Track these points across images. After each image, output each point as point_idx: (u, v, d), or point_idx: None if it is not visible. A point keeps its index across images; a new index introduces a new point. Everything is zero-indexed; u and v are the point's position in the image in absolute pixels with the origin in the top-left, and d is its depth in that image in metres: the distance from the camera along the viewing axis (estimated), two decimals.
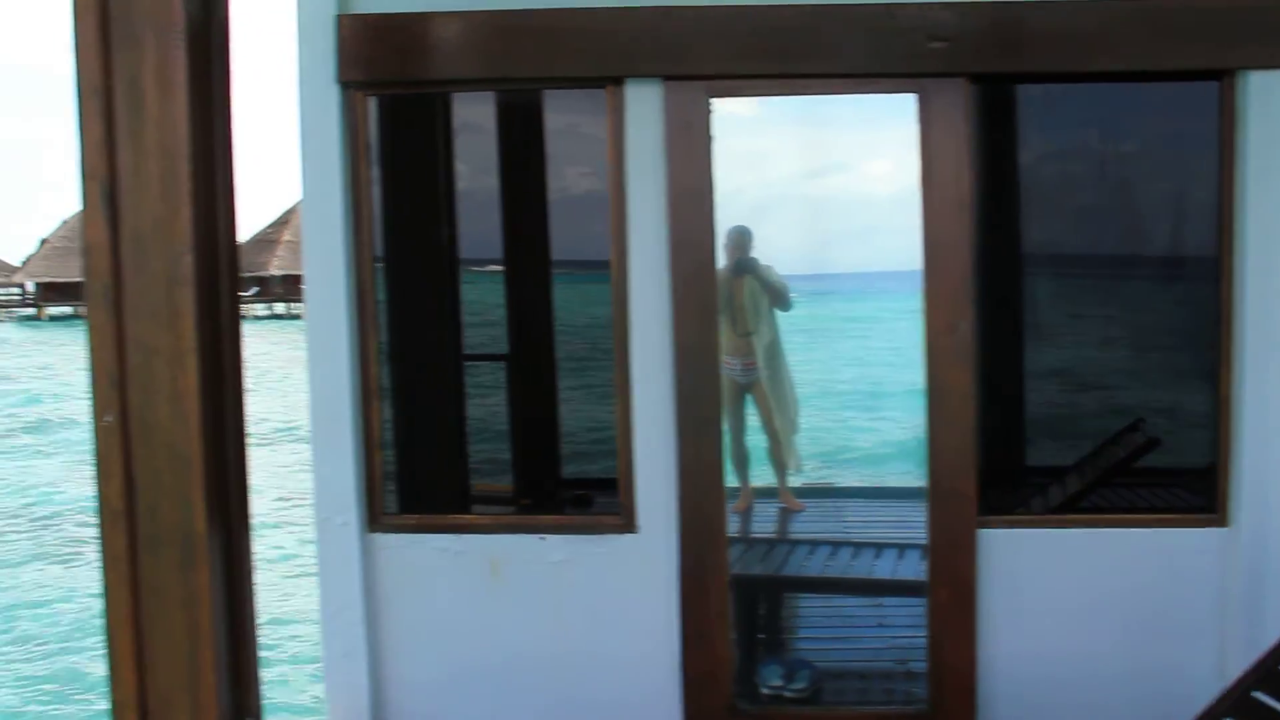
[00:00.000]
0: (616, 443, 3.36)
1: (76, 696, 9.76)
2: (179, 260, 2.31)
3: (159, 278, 2.30)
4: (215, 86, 2.38)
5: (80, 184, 2.30)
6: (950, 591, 3.39)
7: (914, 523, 3.91)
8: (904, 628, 4.47)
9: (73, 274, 72.99)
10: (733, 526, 5.05)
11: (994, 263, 3.92)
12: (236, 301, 2.47)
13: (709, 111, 3.31)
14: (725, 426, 3.44)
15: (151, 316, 2.31)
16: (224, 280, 2.45)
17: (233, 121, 2.43)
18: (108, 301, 2.31)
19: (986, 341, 3.56)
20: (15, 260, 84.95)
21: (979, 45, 3.26)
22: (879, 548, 5.08)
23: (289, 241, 69.02)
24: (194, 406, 2.32)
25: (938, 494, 3.40)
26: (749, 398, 5.60)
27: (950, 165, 3.31)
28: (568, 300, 4.19)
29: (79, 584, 13.13)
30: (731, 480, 5.19)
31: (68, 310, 74.18)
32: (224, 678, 2.37)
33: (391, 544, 3.25)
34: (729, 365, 5.30)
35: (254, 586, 2.48)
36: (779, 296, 5.46)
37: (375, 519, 3.26)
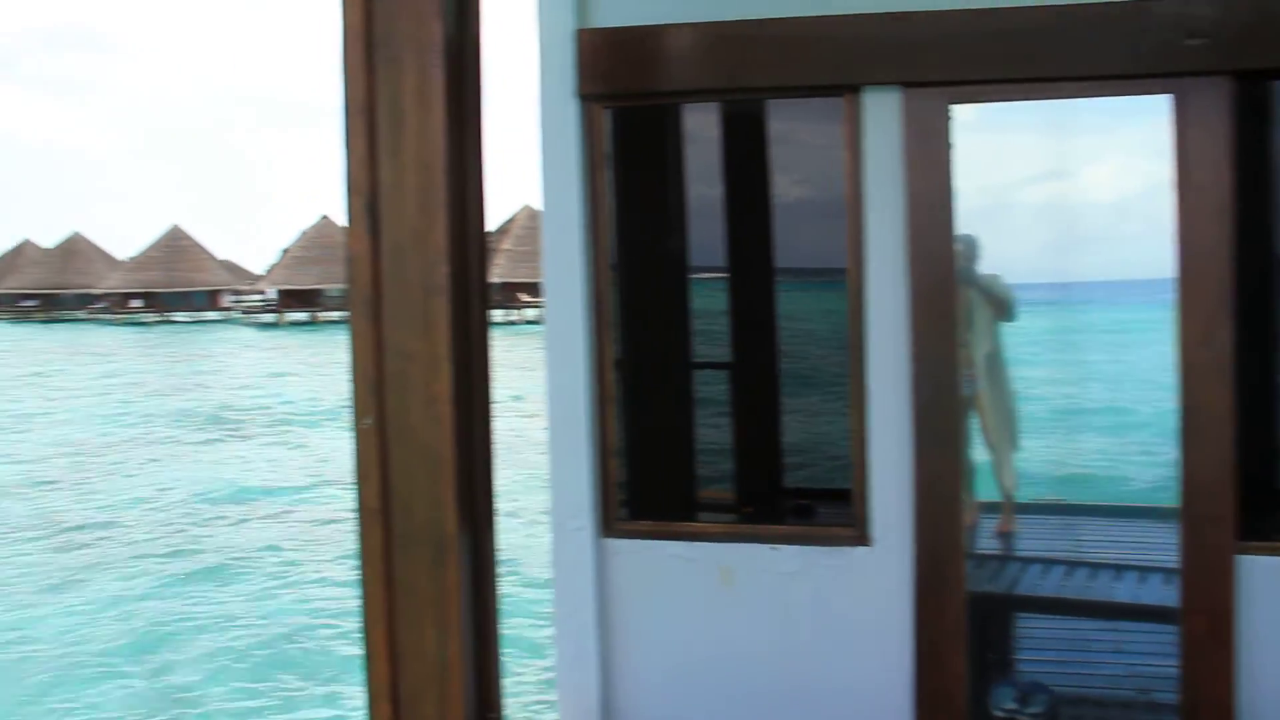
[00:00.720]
0: (851, 453, 3.31)
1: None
2: (434, 270, 2.40)
3: (416, 287, 2.40)
4: (468, 102, 2.47)
5: (345, 198, 2.43)
6: (1206, 620, 3.19)
7: (1155, 544, 3.69)
8: (1145, 655, 4.24)
9: (310, 281, 77.74)
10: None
11: (1254, 271, 3.68)
12: (486, 309, 2.55)
13: (949, 119, 3.23)
14: None
15: (408, 324, 2.41)
16: (474, 288, 2.54)
17: (483, 135, 2.52)
18: (368, 310, 2.42)
19: (1245, 354, 3.33)
20: (260, 268, 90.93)
21: (1243, 40, 3.06)
22: (1118, 569, 4.83)
23: (508, 250, 71.30)
24: (447, 411, 2.41)
25: (1190, 516, 3.20)
26: (969, 411, 5.41)
27: (1209, 168, 3.12)
28: (791, 308, 4.17)
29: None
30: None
31: (304, 316, 78.82)
32: (470, 672, 2.45)
33: (624, 549, 3.30)
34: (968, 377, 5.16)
35: (498, 585, 2.56)
36: (1002, 306, 5.26)
37: (609, 525, 3.31)
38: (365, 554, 2.48)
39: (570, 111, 3.27)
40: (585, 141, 3.29)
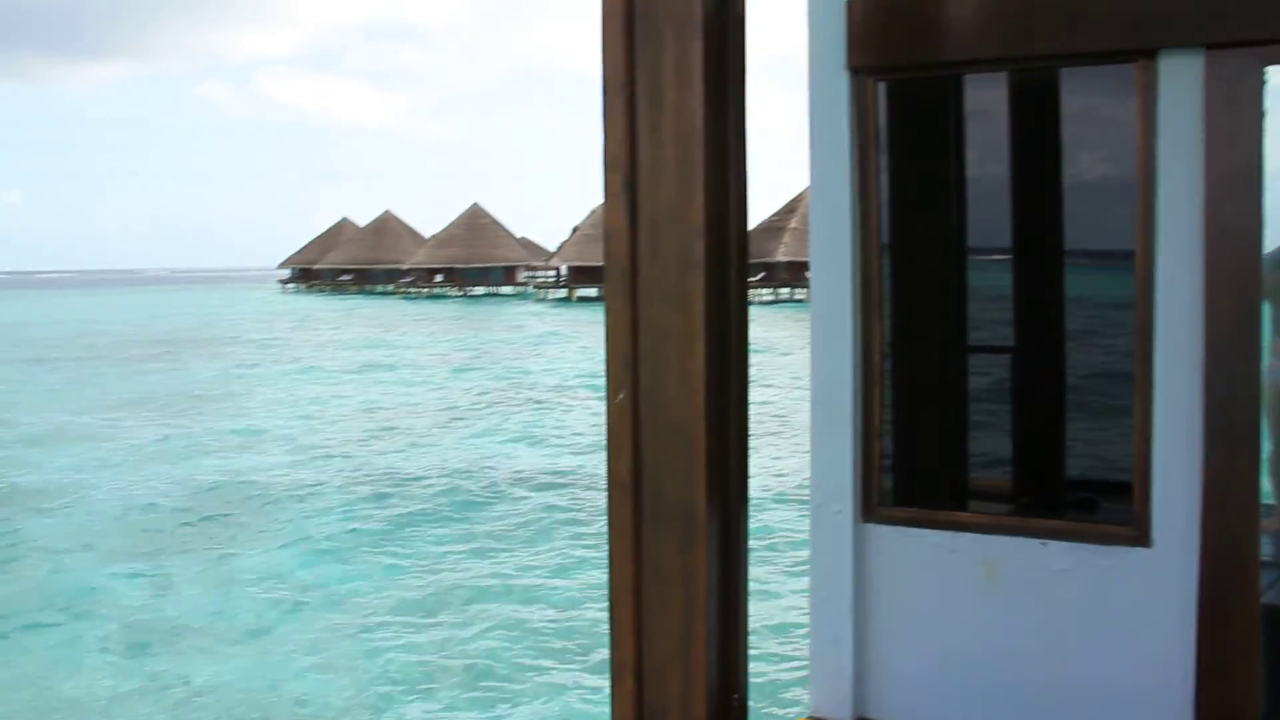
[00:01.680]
0: (1133, 446, 3.06)
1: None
2: (691, 245, 2.38)
3: (672, 262, 2.39)
4: (729, 77, 2.44)
5: (604, 174, 2.45)
6: None
7: None
8: None
9: (599, 258, 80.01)
10: (1264, 549, 4.47)
11: None
12: (744, 286, 2.51)
13: (1262, 82, 2.90)
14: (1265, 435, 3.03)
15: (664, 300, 2.40)
16: (733, 265, 2.50)
17: (745, 111, 2.48)
18: (625, 285, 2.43)
19: None
20: (552, 246, 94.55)
21: None
22: None
23: (795, 229, 70.99)
24: (700, 387, 2.39)
25: None
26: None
27: None
28: (1080, 292, 3.91)
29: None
30: (1266, 496, 4.59)
31: (594, 292, 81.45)
32: (714, 652, 2.43)
33: (884, 536, 3.18)
34: (1273, 368, 4.70)
35: (747, 566, 2.53)
36: None
37: (870, 510, 3.21)
38: (615, 529, 2.50)
39: (840, 85, 3.15)
40: (856, 116, 3.17)
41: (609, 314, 2.46)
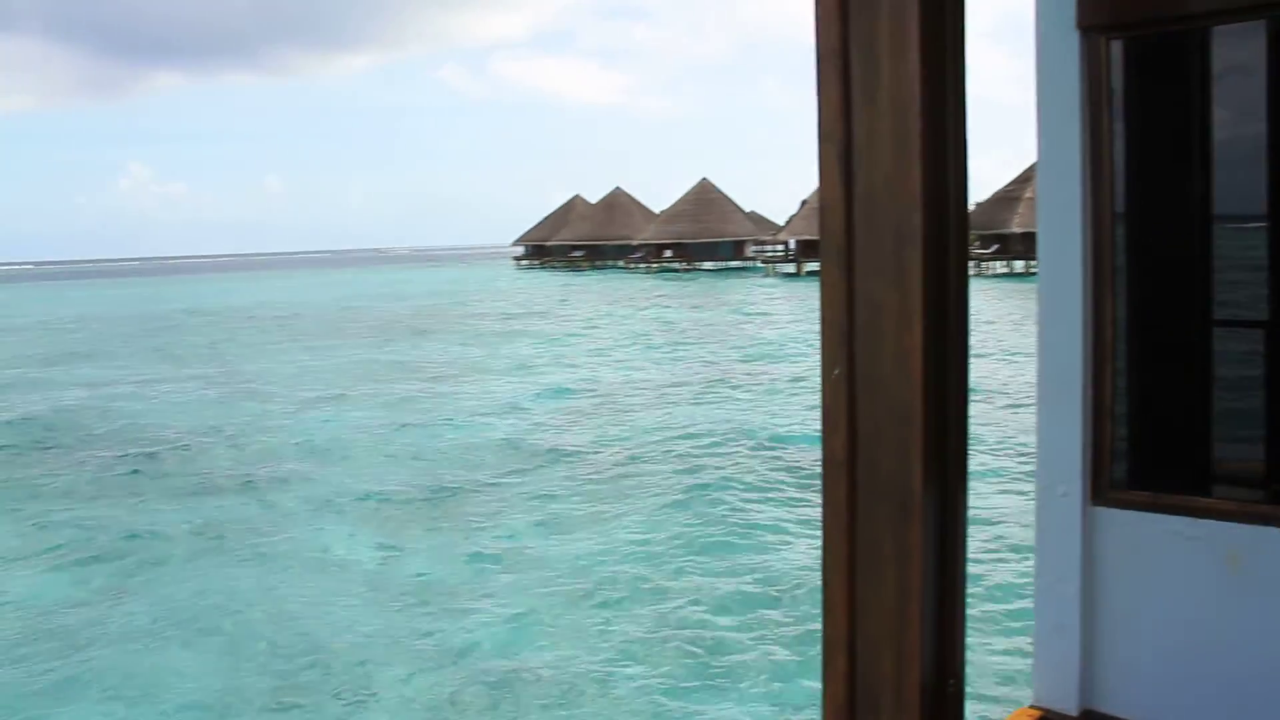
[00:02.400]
0: None
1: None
2: (908, 217, 2.32)
3: (888, 235, 2.34)
4: (948, 42, 2.34)
5: (818, 146, 2.40)
6: None
7: None
8: None
9: None
10: None
11: None
12: (964, 260, 2.42)
13: None
14: None
15: (879, 273, 2.35)
16: (952, 237, 2.42)
17: (964, 76, 2.39)
18: (839, 259, 2.39)
19: None
20: (780, 219, 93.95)
21: None
22: None
23: (1030, 199, 68.10)
24: (917, 363, 2.33)
25: None
26: None
27: None
28: None
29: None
30: None
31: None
32: (929, 635, 2.38)
33: (1115, 520, 3.02)
34: None
35: (965, 548, 2.45)
36: None
37: (1100, 492, 3.05)
38: (829, 506, 2.47)
39: (1070, 45, 2.98)
40: (1087, 77, 2.99)
41: (824, 288, 2.43)
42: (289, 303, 74.28)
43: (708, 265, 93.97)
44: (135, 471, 18.94)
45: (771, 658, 9.89)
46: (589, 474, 17.49)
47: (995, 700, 8.15)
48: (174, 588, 12.43)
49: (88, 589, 12.48)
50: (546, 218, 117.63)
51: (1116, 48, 3.05)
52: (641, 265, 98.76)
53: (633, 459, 18.45)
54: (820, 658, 2.47)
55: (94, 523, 15.41)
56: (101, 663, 10.19)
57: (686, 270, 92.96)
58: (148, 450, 20.72)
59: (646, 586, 11.87)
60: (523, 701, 9.21)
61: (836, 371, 2.37)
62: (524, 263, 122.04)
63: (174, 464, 19.53)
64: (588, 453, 19.12)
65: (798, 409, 22.54)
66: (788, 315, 46.24)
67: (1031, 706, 3.10)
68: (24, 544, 14.48)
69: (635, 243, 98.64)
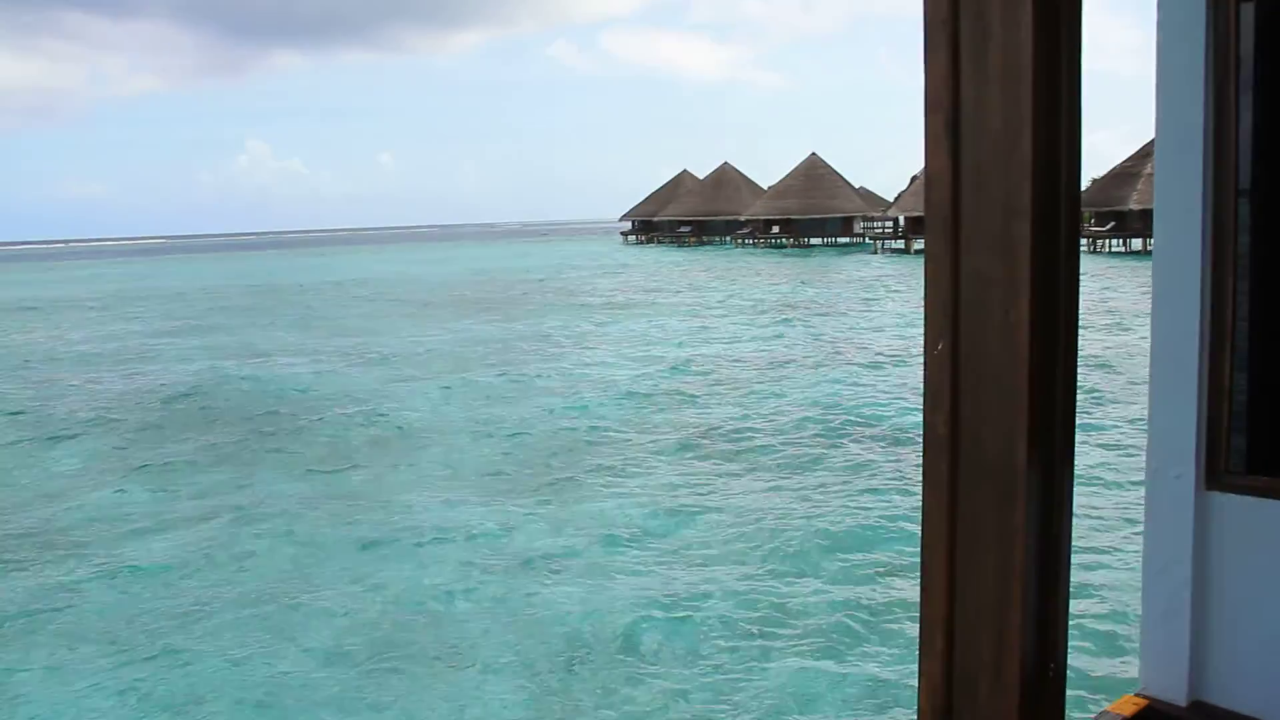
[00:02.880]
0: None
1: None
2: (1017, 190, 2.26)
3: (996, 207, 2.28)
4: (1061, 8, 2.27)
5: (924, 116, 2.35)
6: None
7: None
8: None
9: None
10: None
11: None
12: (1075, 233, 2.35)
13: None
14: None
15: (986, 247, 2.30)
16: (1063, 210, 2.35)
17: (1079, 45, 2.31)
18: (945, 231, 2.35)
19: None
20: (890, 195, 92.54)
21: None
22: None
23: (1149, 175, 65.92)
24: (1024, 339, 2.28)
25: None
26: None
27: None
28: None
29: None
30: None
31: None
32: (1030, 617, 2.33)
33: (1231, 505, 2.89)
34: None
35: (1070, 530, 2.38)
36: None
37: (1215, 476, 2.92)
38: (930, 483, 2.43)
39: (1196, 9, 2.84)
40: (1214, 44, 2.84)
41: (929, 261, 2.38)
42: (410, 276, 75.65)
43: (815, 242, 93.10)
44: (268, 438, 19.62)
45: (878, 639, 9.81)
46: (705, 450, 17.41)
47: (1097, 686, 7.96)
48: (299, 553, 12.80)
49: (215, 551, 12.89)
50: (654, 193, 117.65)
51: (1248, 11, 2.90)
52: (749, 241, 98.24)
53: (749, 434, 18.35)
54: (918, 636, 2.44)
55: (225, 488, 15.97)
56: (228, 623, 10.56)
57: (794, 247, 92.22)
58: (287, 419, 21.44)
59: (762, 562, 11.87)
60: (635, 675, 9.25)
61: (940, 346, 2.32)
62: (631, 238, 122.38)
63: (311, 431, 20.10)
64: (704, 428, 19.07)
65: (901, 386, 22.24)
66: (897, 293, 45.60)
67: (1138, 695, 3.01)
68: (160, 507, 15.04)
69: (743, 218, 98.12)
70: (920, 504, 2.40)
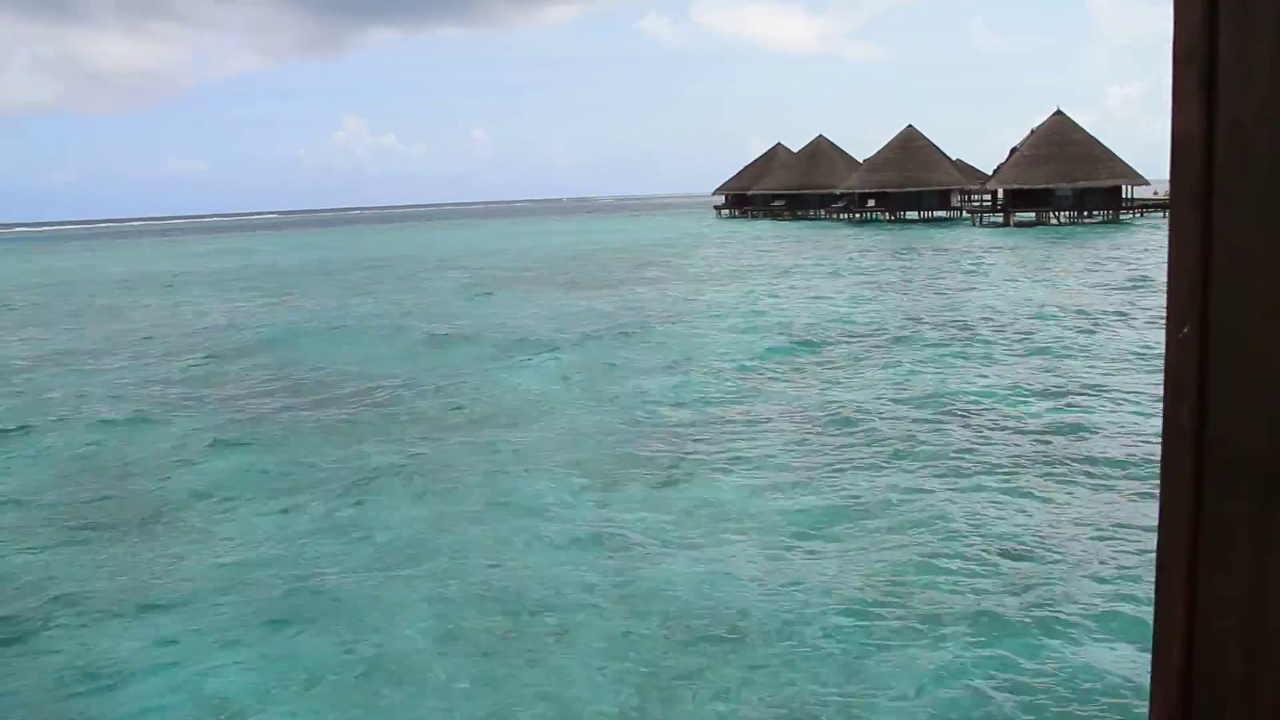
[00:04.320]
0: None
1: None
2: None
3: (1259, 172, 2.02)
4: None
5: (1172, 69, 2.10)
6: None
7: None
8: None
9: (1040, 181, 75.67)
10: None
11: None
12: None
13: None
14: None
15: (1245, 217, 2.04)
16: None
17: None
18: (1195, 199, 2.09)
19: None
20: (988, 169, 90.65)
21: None
22: None
23: None
24: None
25: None
26: None
27: None
28: None
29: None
30: None
31: (1030, 217, 77.35)
32: None
33: None
34: None
35: None
36: None
37: None
38: (1170, 482, 2.18)
39: None
40: None
41: (1174, 235, 2.13)
42: (513, 250, 76.46)
43: (910, 216, 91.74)
44: (378, 410, 19.97)
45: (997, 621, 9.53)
46: (817, 430, 17.23)
47: None
48: (400, 524, 12.99)
49: (317, 523, 13.15)
50: (747, 166, 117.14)
51: None
52: (844, 215, 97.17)
53: (863, 414, 18.08)
54: (1150, 650, 2.21)
55: (329, 460, 16.29)
56: (328, 594, 10.73)
57: (890, 220, 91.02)
58: (394, 392, 21.86)
59: (862, 541, 11.73)
60: (734, 654, 9.20)
61: (1185, 329, 2.08)
62: (724, 212, 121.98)
63: (425, 404, 20.51)
64: (816, 406, 18.92)
65: (1017, 368, 21.78)
66: (1000, 267, 44.72)
67: None
68: (265, 479, 15.42)
69: (838, 192, 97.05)
70: (1157, 503, 2.17)
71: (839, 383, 21.13)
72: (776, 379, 21.80)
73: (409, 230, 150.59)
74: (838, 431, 16.97)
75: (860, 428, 17.05)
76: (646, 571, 11.13)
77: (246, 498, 14.48)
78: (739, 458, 15.51)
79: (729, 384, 21.42)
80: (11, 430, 19.38)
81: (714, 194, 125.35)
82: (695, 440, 16.71)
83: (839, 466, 14.85)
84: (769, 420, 17.93)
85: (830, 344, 26.02)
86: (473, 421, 18.80)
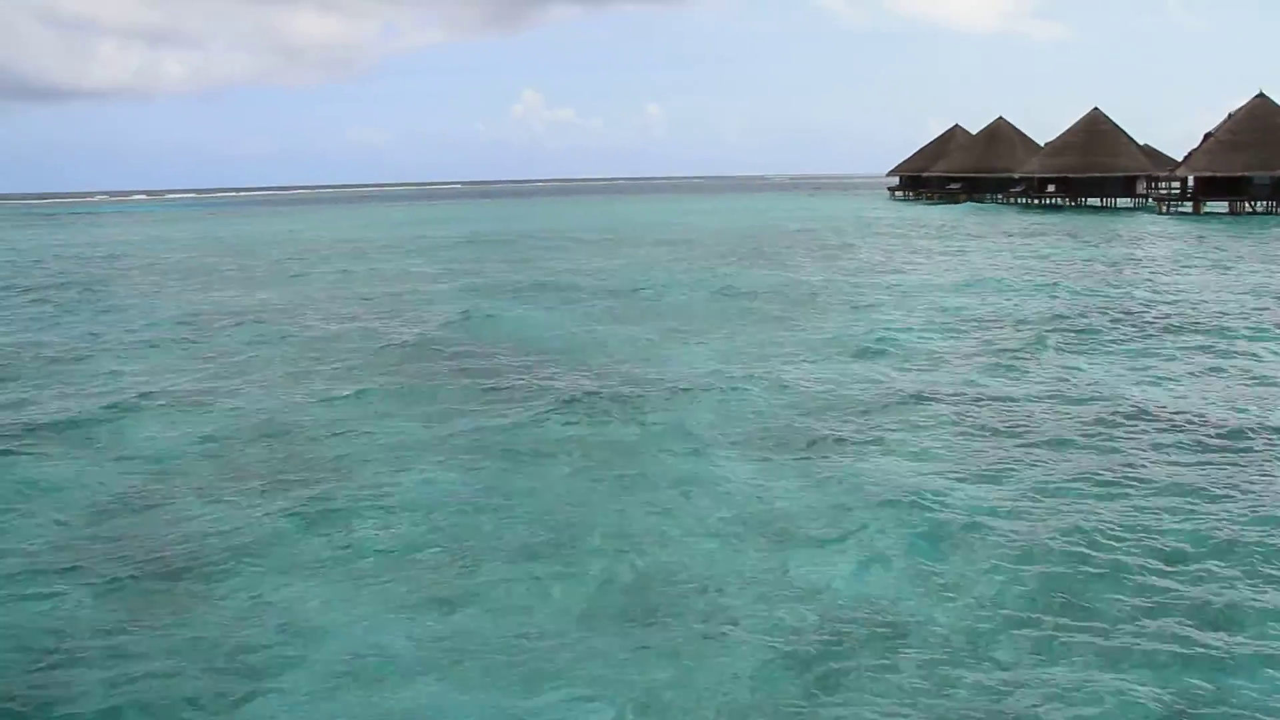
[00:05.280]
0: None
1: None
2: None
3: None
4: None
5: None
6: None
7: None
8: None
9: (1234, 168, 71.95)
10: None
11: None
12: None
13: None
14: None
15: None
16: None
17: None
18: None
19: None
20: (1177, 155, 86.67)
21: None
22: None
23: None
24: None
25: None
26: None
27: None
28: None
29: None
30: None
31: (1222, 207, 73.61)
32: None
33: None
34: None
35: None
36: None
37: None
38: None
39: None
40: None
41: None
42: (686, 225, 75.88)
43: (1093, 201, 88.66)
44: (535, 377, 20.06)
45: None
46: (979, 420, 16.72)
47: None
48: (556, 496, 13.27)
49: (478, 493, 13.46)
50: (923, 148, 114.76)
51: None
52: (1022, 200, 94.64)
53: (1024, 408, 17.44)
54: None
55: (492, 428, 16.63)
56: (483, 565, 11.09)
57: (1071, 206, 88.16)
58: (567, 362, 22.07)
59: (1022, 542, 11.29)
60: (886, 652, 9.02)
61: None
62: (898, 194, 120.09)
63: (589, 375, 20.68)
64: (979, 396, 18.37)
65: (1206, 367, 20.68)
66: (1195, 261, 42.27)
67: None
68: (421, 447, 15.72)
69: (1016, 176, 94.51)
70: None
71: (1018, 374, 20.31)
72: (951, 367, 21.13)
73: (596, 203, 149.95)
74: (1015, 425, 16.36)
75: (1039, 424, 16.39)
76: (805, 558, 11.01)
77: (411, 462, 14.87)
78: (908, 447, 15.23)
79: (903, 368, 20.93)
80: (201, 391, 20.35)
81: (888, 175, 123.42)
82: (863, 425, 16.46)
83: (1013, 461, 14.38)
84: (944, 409, 17.39)
85: (1008, 333, 25.15)
86: (644, 396, 18.80)
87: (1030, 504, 12.55)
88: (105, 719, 8.29)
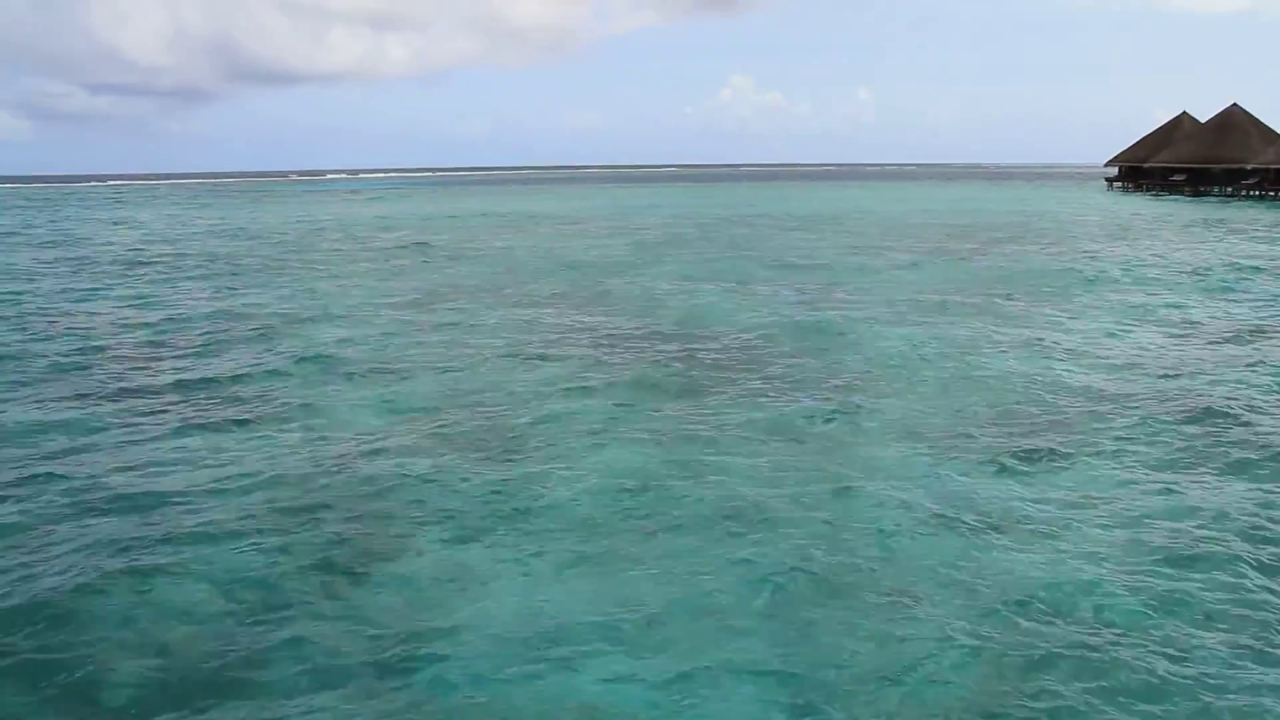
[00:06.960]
0: None
1: None
2: None
3: None
4: None
5: None
6: None
7: None
8: None
9: None
10: None
11: None
12: None
13: None
14: None
15: None
16: None
17: None
18: None
19: None
20: None
21: None
22: None
23: None
24: None
25: None
26: None
27: None
28: None
29: None
30: None
31: None
32: None
33: None
34: None
35: None
36: None
37: None
38: None
39: None
40: None
41: None
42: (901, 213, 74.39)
43: None
44: (733, 366, 20.74)
45: None
46: (1187, 424, 16.03)
47: None
48: (732, 480, 13.34)
49: (657, 473, 13.73)
50: (1146, 136, 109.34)
51: None
52: (1254, 194, 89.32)
53: (1240, 415, 16.47)
54: None
55: (682, 417, 16.76)
56: (660, 540, 11.38)
57: None
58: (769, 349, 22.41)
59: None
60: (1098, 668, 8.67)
61: None
62: (1116, 185, 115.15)
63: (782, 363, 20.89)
64: (1189, 402, 17.43)
65: None
66: None
67: None
68: (622, 429, 16.10)
69: (1249, 168, 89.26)
70: None
71: (1232, 381, 19.21)
72: (1169, 371, 20.29)
73: (819, 189, 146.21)
74: (1224, 431, 15.61)
75: (1257, 431, 15.59)
76: (995, 557, 10.79)
77: (599, 436, 15.45)
78: (1109, 448, 14.83)
79: (1105, 372, 20.17)
80: (416, 367, 21.24)
81: (1106, 165, 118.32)
82: (1060, 423, 16.18)
83: (1220, 470, 13.83)
84: (1150, 412, 16.80)
85: (1250, 341, 23.67)
86: (832, 382, 18.94)
87: (1256, 521, 11.81)
88: (296, 666, 8.79)
